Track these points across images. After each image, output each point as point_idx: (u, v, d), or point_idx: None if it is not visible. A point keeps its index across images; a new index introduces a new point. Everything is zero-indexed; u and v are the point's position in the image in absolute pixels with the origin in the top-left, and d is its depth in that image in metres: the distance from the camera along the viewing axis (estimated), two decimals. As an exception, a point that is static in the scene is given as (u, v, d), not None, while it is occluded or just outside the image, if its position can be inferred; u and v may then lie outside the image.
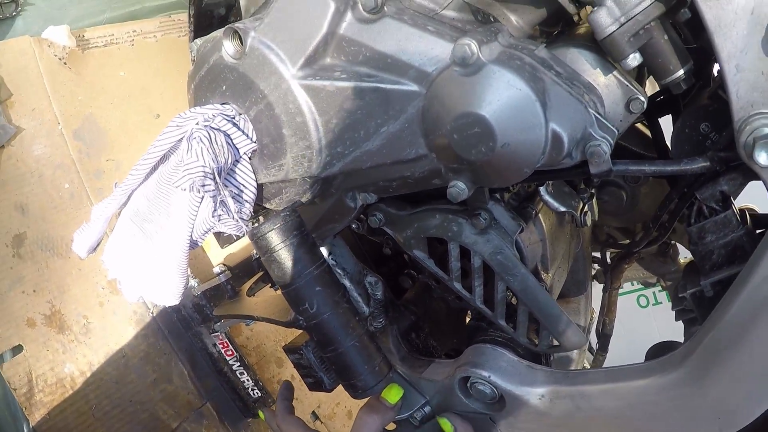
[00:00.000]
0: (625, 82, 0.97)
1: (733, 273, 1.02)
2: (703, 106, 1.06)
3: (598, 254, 1.68)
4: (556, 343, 1.14)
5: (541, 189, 1.10)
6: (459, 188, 0.94)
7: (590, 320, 1.76)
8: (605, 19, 0.87)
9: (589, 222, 1.13)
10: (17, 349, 1.66)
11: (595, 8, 0.87)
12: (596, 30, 0.88)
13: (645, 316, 3.04)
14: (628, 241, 1.61)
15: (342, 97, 0.95)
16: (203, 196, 1.05)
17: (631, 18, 0.86)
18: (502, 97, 0.84)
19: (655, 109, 1.29)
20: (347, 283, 1.35)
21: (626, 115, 0.98)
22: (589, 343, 1.84)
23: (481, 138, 0.86)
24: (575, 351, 1.66)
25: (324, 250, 1.39)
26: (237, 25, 1.01)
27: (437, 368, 1.27)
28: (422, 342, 1.41)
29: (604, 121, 0.89)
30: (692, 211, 1.08)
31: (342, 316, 1.05)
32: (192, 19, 1.18)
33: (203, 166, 1.01)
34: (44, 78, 1.86)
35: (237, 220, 1.08)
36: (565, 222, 1.30)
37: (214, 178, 1.03)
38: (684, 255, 1.72)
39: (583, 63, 0.98)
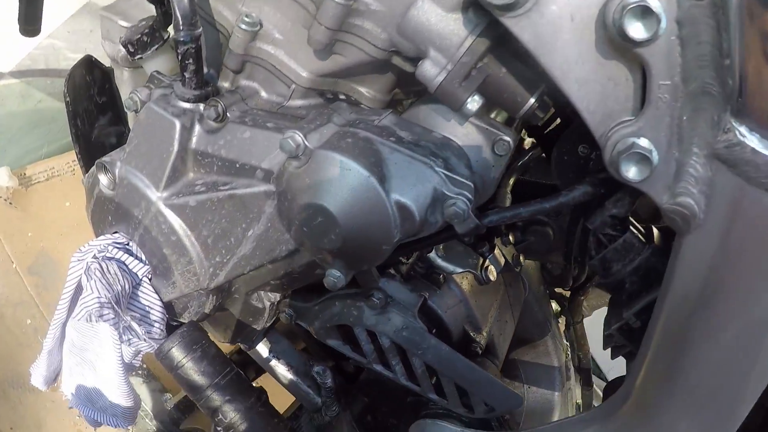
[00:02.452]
0: (485, 126, 0.93)
1: (653, 297, 0.95)
2: (576, 128, 0.99)
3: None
4: (489, 406, 1.10)
5: (431, 255, 1.08)
6: (334, 276, 0.92)
7: (567, 357, 1.70)
8: (431, 71, 0.83)
9: (493, 277, 1.10)
10: (2, 494, 1.66)
11: (420, 62, 0.84)
12: (427, 84, 0.85)
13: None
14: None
15: (204, 210, 0.96)
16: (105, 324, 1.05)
17: (457, 62, 0.82)
18: (335, 180, 0.81)
19: (550, 139, 1.18)
20: (293, 377, 1.34)
21: (496, 159, 0.94)
22: (580, 378, 1.77)
23: (327, 227, 0.84)
24: (555, 393, 1.60)
25: (264, 348, 1.38)
26: (104, 159, 1.03)
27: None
28: (380, 423, 1.37)
29: (455, 176, 0.83)
30: (589, 245, 1.03)
31: (258, 421, 1.03)
32: (79, 155, 1.21)
33: (98, 297, 1.03)
34: (-8, 220, 1.90)
35: (147, 341, 1.08)
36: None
37: (112, 306, 1.04)
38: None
39: (436, 118, 0.94)
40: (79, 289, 1.13)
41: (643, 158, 0.67)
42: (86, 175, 1.14)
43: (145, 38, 1.08)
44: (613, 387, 1.28)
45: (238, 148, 0.92)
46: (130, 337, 1.09)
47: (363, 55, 0.90)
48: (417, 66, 0.85)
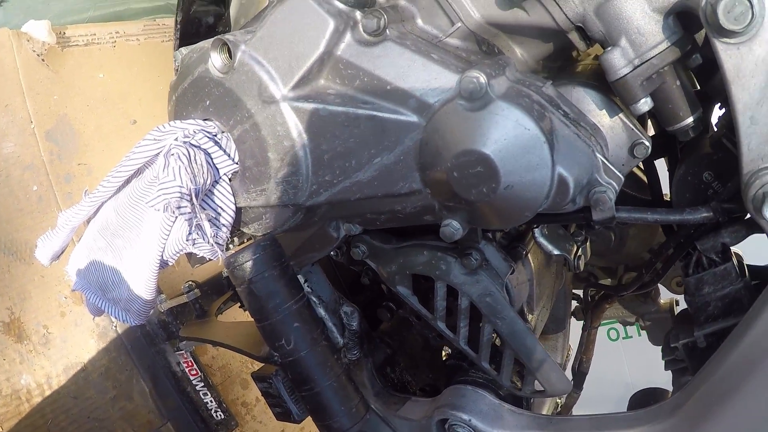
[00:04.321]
0: (631, 126, 0.94)
1: (729, 325, 0.99)
2: (707, 155, 1.03)
3: (578, 291, 1.64)
4: (540, 388, 1.10)
5: (536, 231, 1.06)
6: (453, 228, 0.89)
7: (566, 357, 1.73)
8: (619, 61, 0.84)
9: (582, 266, 1.09)
10: (-30, 356, 1.58)
11: (609, 48, 0.84)
12: (608, 71, 0.85)
13: (614, 350, 3.03)
14: (609, 279, 1.58)
15: (335, 123, 0.90)
16: (177, 217, 0.98)
17: (646, 61, 0.83)
18: (509, 136, 0.79)
19: (651, 151, 1.26)
20: (322, 312, 1.30)
21: (629, 160, 0.95)
22: (573, 379, 1.80)
23: (483, 178, 0.81)
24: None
25: (300, 276, 1.33)
26: (227, 36, 0.94)
27: (413, 407, 1.22)
28: (397, 377, 1.36)
29: (610, 166, 0.85)
30: (690, 262, 1.04)
31: (320, 354, 0.99)
32: (179, 25, 1.12)
33: (180, 186, 0.95)
34: (20, 73, 1.78)
35: (212, 245, 1.02)
36: (552, 261, 1.26)
37: (191, 199, 0.97)
38: (665, 296, 1.70)
39: (589, 103, 0.94)
40: (141, 171, 1.06)
41: None
42: (181, 48, 1.06)
43: None
44: (638, 397, 1.31)
45: (393, 70, 0.87)
46: (196, 237, 1.02)
47: (548, 19, 0.87)
48: (604, 52, 0.85)
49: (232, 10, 1.25)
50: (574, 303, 1.67)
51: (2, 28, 1.77)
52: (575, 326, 1.69)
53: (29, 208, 1.74)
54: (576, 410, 1.86)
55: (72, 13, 1.91)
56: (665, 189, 1.25)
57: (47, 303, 1.72)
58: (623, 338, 3.05)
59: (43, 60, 1.81)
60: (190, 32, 1.16)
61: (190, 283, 1.52)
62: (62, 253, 1.21)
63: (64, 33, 1.85)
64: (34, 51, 1.81)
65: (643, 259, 1.40)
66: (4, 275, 1.67)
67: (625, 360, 3.00)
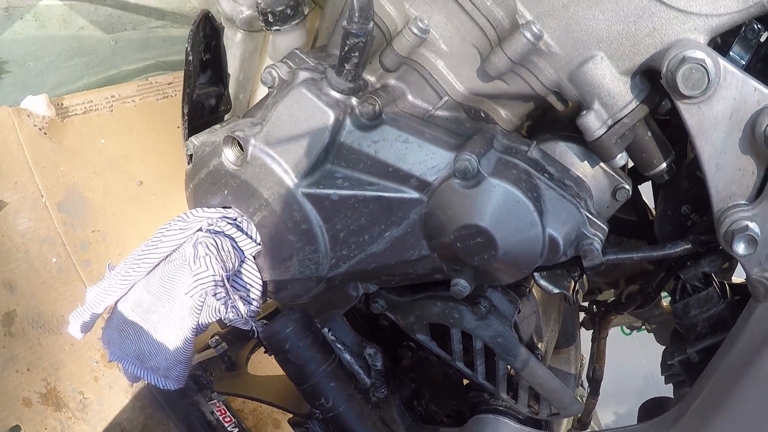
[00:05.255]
0: (612, 173, 1.02)
1: (717, 341, 1.09)
2: (683, 190, 1.11)
3: (585, 303, 1.73)
4: (555, 410, 1.19)
5: (536, 274, 1.15)
6: (462, 286, 0.98)
7: (580, 367, 1.82)
8: (594, 123, 0.92)
9: (581, 300, 1.19)
10: (15, 430, 1.65)
11: (584, 112, 0.92)
12: (585, 133, 0.93)
13: (630, 343, 3.06)
14: (612, 290, 1.67)
15: (346, 205, 0.98)
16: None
17: (618, 121, 0.91)
18: (503, 208, 0.88)
19: (634, 177, 1.34)
20: (347, 356, 1.38)
21: (612, 203, 1.04)
22: (581, 386, 1.89)
23: (483, 247, 0.90)
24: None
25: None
26: (237, 133, 1.02)
27: (442, 437, 1.31)
28: (424, 408, 1.45)
29: (595, 220, 0.94)
30: (676, 289, 1.14)
31: (356, 407, 1.08)
32: (186, 116, 1.19)
33: (213, 275, 1.03)
34: (25, 149, 1.84)
35: (247, 320, 1.10)
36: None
37: (224, 284, 1.05)
38: (667, 296, 1.78)
39: (571, 156, 1.03)
40: (168, 255, 1.13)
41: (752, 239, 0.83)
42: (192, 138, 1.12)
43: (288, 11, 1.07)
44: (647, 406, 1.41)
45: (392, 152, 0.95)
46: (232, 315, 1.10)
47: (526, 88, 0.95)
48: (579, 115, 0.93)
49: (231, 88, 1.32)
50: (582, 314, 1.76)
51: (2, 106, 1.83)
52: (586, 334, 1.77)
53: (51, 280, 1.81)
54: (599, 406, 1.95)
55: (67, 83, 1.97)
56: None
57: (80, 369, 1.80)
58: (637, 331, 3.10)
59: (45, 133, 1.87)
60: (195, 116, 1.23)
61: (217, 337, 1.60)
62: (93, 325, 1.29)
63: (62, 104, 1.91)
64: (35, 126, 1.87)
65: (642, 268, 1.48)
66: (35, 348, 1.74)
67: (642, 351, 3.04)
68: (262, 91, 1.44)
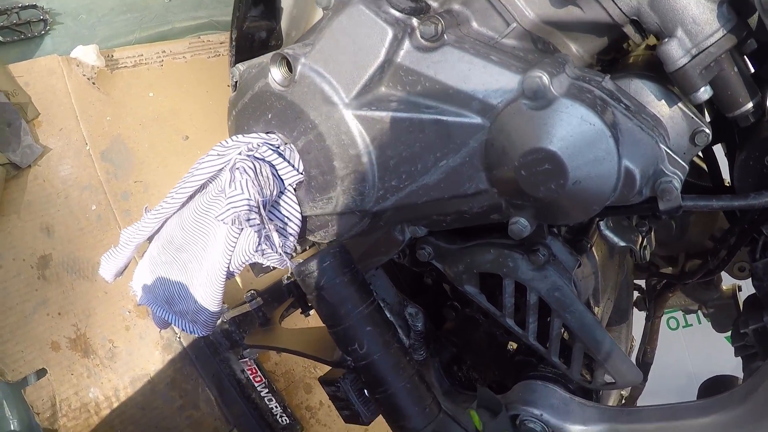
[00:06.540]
0: (690, 115, 0.94)
1: None
2: (766, 139, 1.02)
3: (639, 281, 1.63)
4: (610, 380, 1.10)
5: (601, 224, 1.06)
6: (522, 225, 0.90)
7: (630, 348, 1.72)
8: (676, 52, 0.84)
9: (648, 256, 1.09)
10: (41, 373, 1.63)
11: (666, 40, 0.85)
12: (666, 62, 0.85)
13: (675, 339, 2.96)
14: (670, 268, 1.57)
15: (399, 129, 0.91)
16: (242, 229, 1.01)
17: (703, 50, 0.84)
18: (575, 132, 0.80)
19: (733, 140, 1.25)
20: (387, 314, 1.31)
21: (690, 148, 0.96)
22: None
23: (551, 175, 0.82)
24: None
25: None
26: (286, 51, 0.97)
27: (482, 404, 1.23)
28: (464, 375, 1.37)
29: (674, 156, 0.85)
30: (757, 247, 1.04)
31: (393, 356, 1.00)
32: (234, 42, 1.14)
33: (248, 199, 0.97)
34: (72, 98, 1.84)
35: (281, 254, 1.04)
36: (615, 253, 1.26)
37: (259, 211, 0.99)
38: (726, 282, 1.67)
39: (647, 94, 0.95)
40: (204, 186, 1.08)
41: None
42: (238, 64, 1.08)
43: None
44: (708, 385, 1.30)
45: (453, 74, 0.88)
46: (265, 247, 1.04)
47: (603, 15, 0.88)
48: (660, 43, 0.85)
49: (284, 24, 1.27)
50: (636, 293, 1.66)
51: (52, 55, 1.82)
52: (638, 316, 1.67)
53: (89, 227, 1.79)
54: (639, 402, 1.85)
55: (118, 36, 1.96)
56: (724, 175, 1.24)
57: (112, 318, 1.77)
58: (683, 327, 2.99)
59: (93, 83, 1.86)
60: (244, 48, 1.19)
61: (252, 292, 1.55)
62: (125, 269, 1.25)
63: (112, 56, 1.90)
64: (84, 75, 1.86)
65: (704, 245, 1.38)
66: (68, 293, 1.73)
67: (687, 349, 2.94)
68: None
